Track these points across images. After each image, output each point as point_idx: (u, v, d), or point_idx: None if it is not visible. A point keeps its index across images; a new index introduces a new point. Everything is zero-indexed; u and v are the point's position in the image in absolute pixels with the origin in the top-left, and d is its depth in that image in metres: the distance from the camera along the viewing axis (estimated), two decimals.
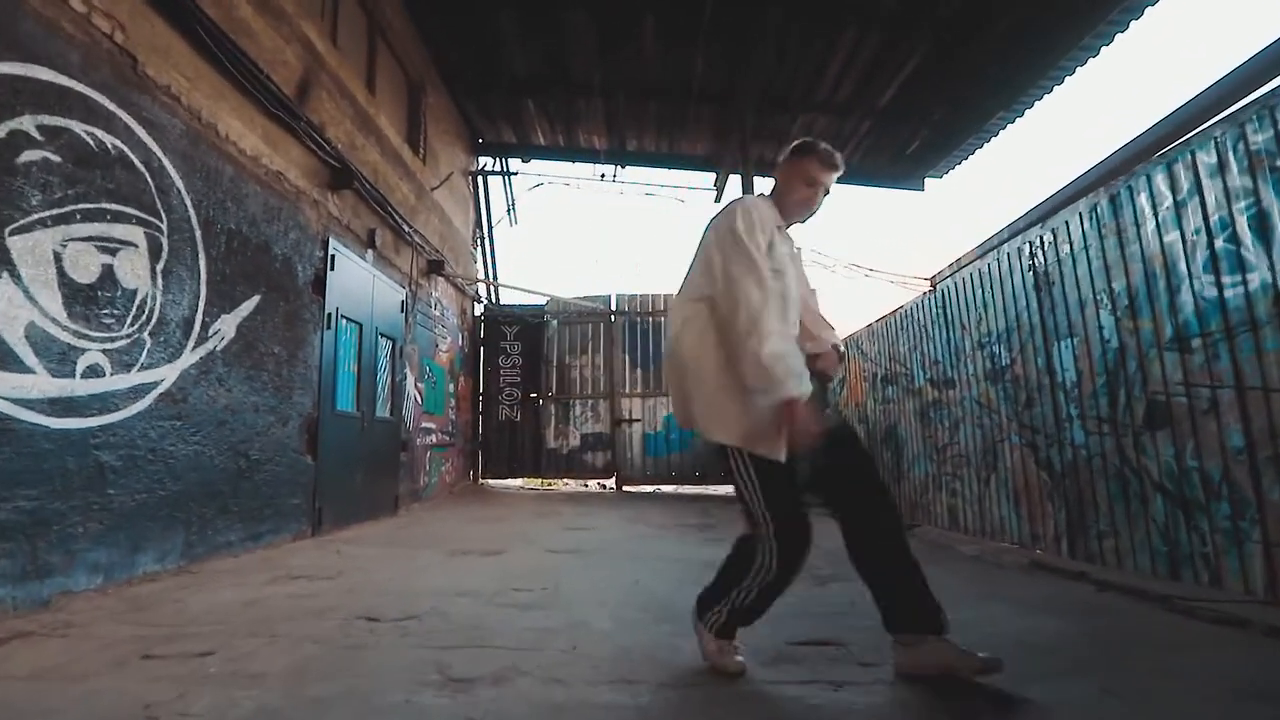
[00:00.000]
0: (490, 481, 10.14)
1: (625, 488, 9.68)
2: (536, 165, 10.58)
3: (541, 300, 10.46)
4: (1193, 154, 2.83)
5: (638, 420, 10.01)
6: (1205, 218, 2.78)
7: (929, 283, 6.29)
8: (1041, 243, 3.91)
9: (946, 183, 13.00)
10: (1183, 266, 2.91)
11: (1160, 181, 3.01)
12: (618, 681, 1.78)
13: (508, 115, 9.40)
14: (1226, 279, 2.70)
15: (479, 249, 10.21)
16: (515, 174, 10.57)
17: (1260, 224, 2.54)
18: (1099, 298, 3.44)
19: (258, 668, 1.90)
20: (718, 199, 9.85)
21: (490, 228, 10.53)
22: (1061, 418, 3.77)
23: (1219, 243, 2.73)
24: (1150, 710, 1.59)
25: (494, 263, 10.76)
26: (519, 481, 10.36)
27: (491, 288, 10.64)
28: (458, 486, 8.79)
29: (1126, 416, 3.27)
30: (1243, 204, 2.61)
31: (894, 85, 7.89)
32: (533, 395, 10.26)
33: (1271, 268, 2.50)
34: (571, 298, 10.36)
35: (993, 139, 8.78)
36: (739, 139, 7.99)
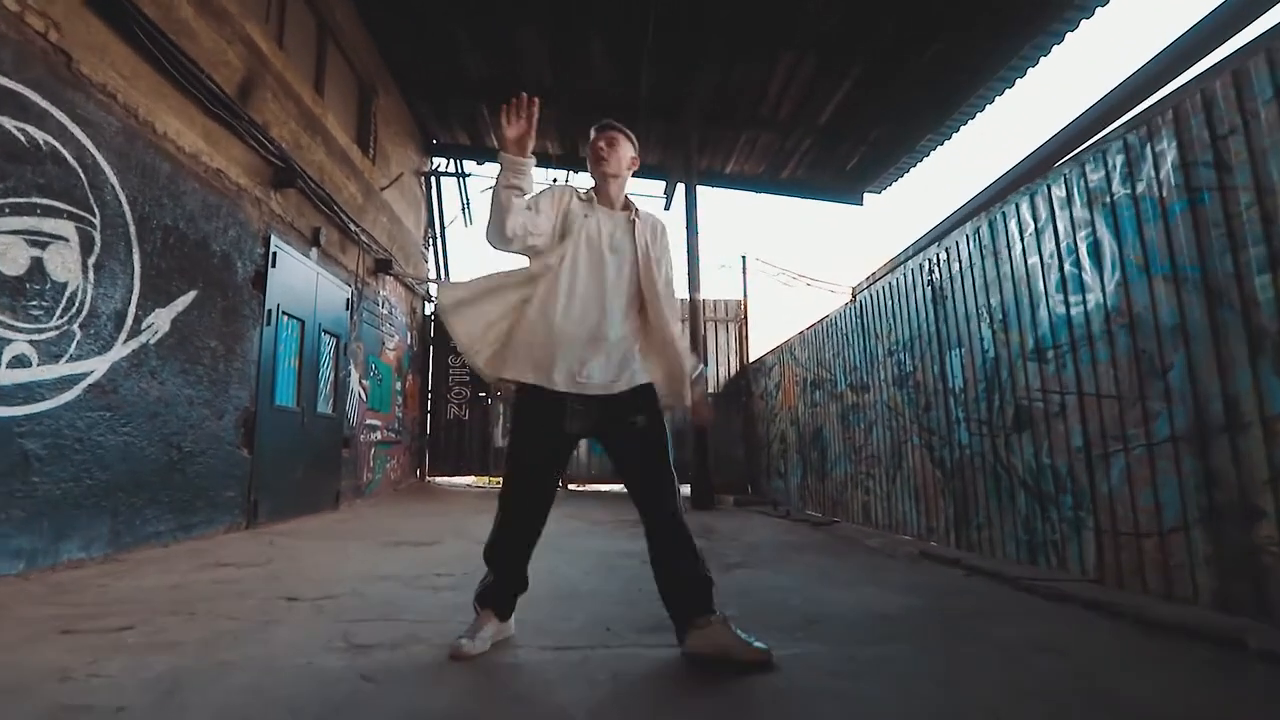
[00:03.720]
0: (437, 479, 10.20)
1: (571, 486, 9.87)
2: (490, 168, 10.71)
3: None
4: (1048, 187, 3.22)
5: None
6: (1057, 244, 3.17)
7: (851, 293, 6.70)
8: (937, 260, 4.29)
9: (896, 193, 13.65)
10: (1040, 286, 3.29)
11: (1025, 210, 3.40)
12: (503, 646, 2.00)
13: (461, 118, 9.52)
14: (1072, 298, 3.08)
15: (431, 248, 10.27)
16: (469, 175, 10.68)
17: (1096, 251, 2.92)
18: (981, 312, 3.83)
19: (172, 638, 2.04)
20: (666, 206, 10.16)
21: (443, 228, 10.61)
22: (951, 420, 4.14)
23: (1067, 266, 3.11)
24: (952, 663, 1.88)
25: (446, 262, 10.83)
26: (466, 480, 10.45)
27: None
28: (403, 484, 8.84)
29: (1000, 419, 3.65)
30: (1083, 233, 2.99)
31: (831, 105, 8.32)
32: (481, 394, 10.36)
33: (1103, 290, 2.89)
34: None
35: (924, 159, 9.32)
36: (685, 151, 8.31)
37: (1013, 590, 2.88)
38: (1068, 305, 3.11)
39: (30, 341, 2.94)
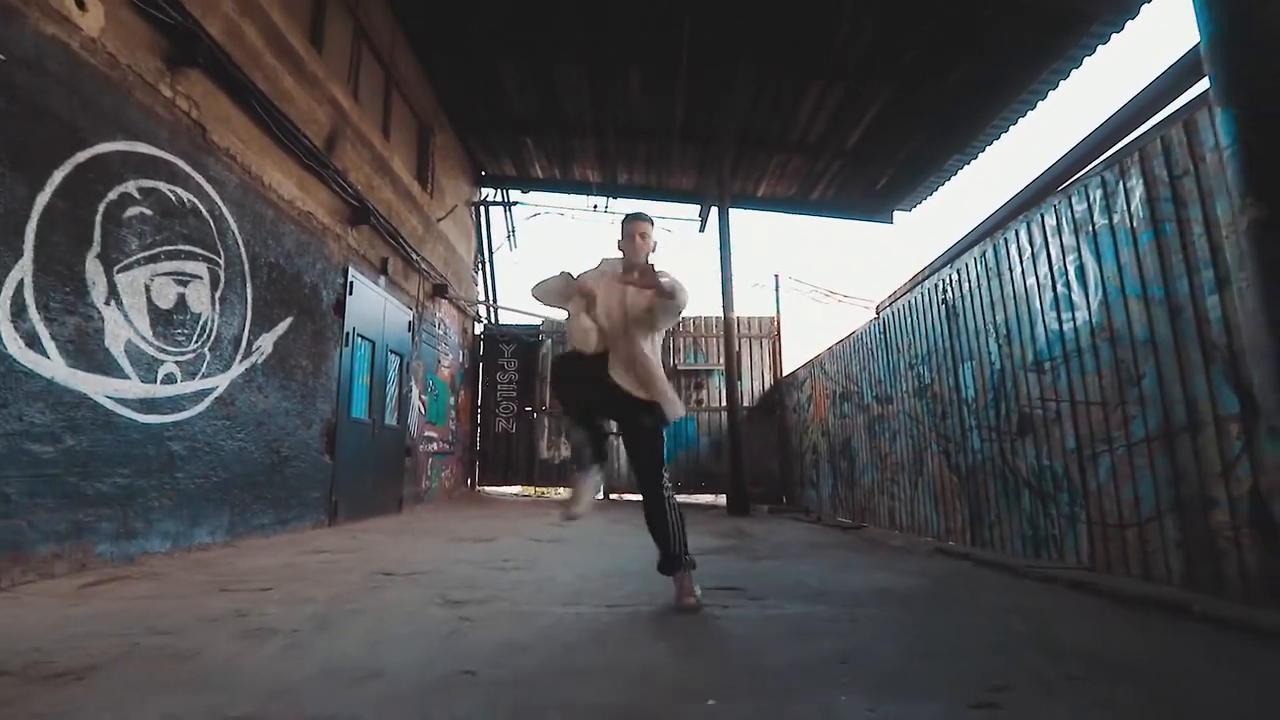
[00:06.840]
0: (486, 488, 10.82)
1: (613, 496, 10.35)
2: (534, 196, 11.44)
3: (537, 321, 11.23)
4: (1042, 216, 3.59)
5: None
6: (1050, 266, 3.53)
7: (875, 310, 7.04)
8: (950, 280, 4.65)
9: (926, 210, 13.83)
10: (1037, 304, 3.65)
11: (1023, 236, 3.76)
12: (570, 604, 2.48)
13: (508, 151, 10.24)
14: (1064, 315, 3.43)
15: (480, 273, 10.99)
16: (515, 204, 11.40)
17: (1081, 273, 3.28)
18: (988, 327, 4.18)
19: (306, 595, 2.59)
20: (701, 229, 10.65)
21: (490, 253, 11.33)
22: (965, 428, 4.48)
23: (1059, 287, 3.47)
24: (934, 618, 2.28)
25: (494, 285, 11.54)
26: (513, 489, 11.04)
27: (491, 309, 11.41)
28: (456, 492, 9.46)
29: (1006, 425, 3.99)
30: (1071, 257, 3.36)
31: (860, 128, 8.71)
32: (527, 409, 10.97)
33: (1088, 308, 3.24)
34: (565, 319, 11.10)
35: (953, 177, 9.60)
36: (718, 175, 8.81)
37: (1012, 576, 3.22)
38: (1060, 321, 3.46)
39: (176, 362, 3.59)
